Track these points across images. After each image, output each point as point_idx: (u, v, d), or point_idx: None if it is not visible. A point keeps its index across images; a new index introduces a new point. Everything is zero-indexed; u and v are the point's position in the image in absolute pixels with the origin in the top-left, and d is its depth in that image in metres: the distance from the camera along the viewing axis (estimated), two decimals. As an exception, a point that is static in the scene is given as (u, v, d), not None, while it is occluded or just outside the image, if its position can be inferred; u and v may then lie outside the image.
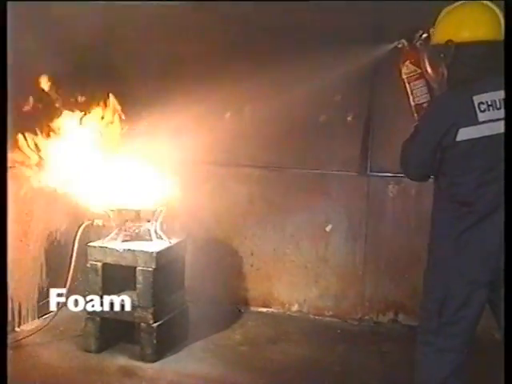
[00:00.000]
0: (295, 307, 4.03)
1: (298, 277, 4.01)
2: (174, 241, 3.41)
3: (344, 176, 3.86)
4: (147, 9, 3.80)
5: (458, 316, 2.27)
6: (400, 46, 2.66)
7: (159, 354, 3.23)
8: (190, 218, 4.08)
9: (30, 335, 3.40)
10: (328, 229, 3.92)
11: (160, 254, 3.22)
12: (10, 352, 3.18)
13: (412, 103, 2.60)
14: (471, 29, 2.27)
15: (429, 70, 2.50)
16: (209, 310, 3.98)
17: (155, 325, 3.21)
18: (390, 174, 3.76)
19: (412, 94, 2.59)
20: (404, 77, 2.61)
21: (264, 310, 4.06)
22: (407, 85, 2.61)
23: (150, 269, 3.18)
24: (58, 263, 3.66)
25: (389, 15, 3.57)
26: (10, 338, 3.33)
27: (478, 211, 2.23)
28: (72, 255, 3.36)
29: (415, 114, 2.59)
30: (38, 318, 3.64)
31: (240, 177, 4.04)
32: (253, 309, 4.07)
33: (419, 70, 2.57)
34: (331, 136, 3.84)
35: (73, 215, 3.67)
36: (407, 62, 2.60)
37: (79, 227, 3.39)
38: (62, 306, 3.37)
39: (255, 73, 3.82)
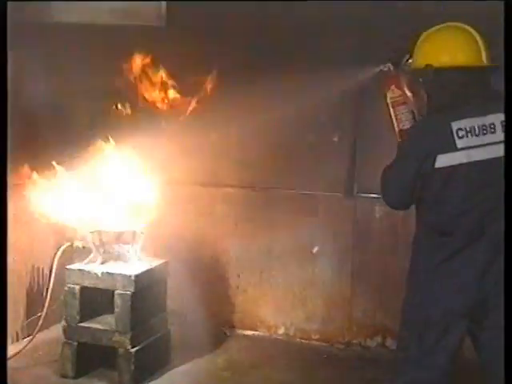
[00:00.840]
0: (281, 330, 3.94)
1: (285, 299, 3.91)
2: (154, 263, 3.33)
3: (330, 197, 3.78)
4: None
5: (438, 347, 2.18)
6: (386, 69, 2.59)
7: (137, 380, 3.13)
8: (175, 238, 3.97)
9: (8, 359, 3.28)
10: (314, 250, 3.84)
11: (139, 277, 3.15)
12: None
13: (396, 128, 2.50)
14: (450, 53, 2.22)
15: (409, 94, 2.44)
16: (194, 333, 3.85)
17: (133, 350, 3.12)
18: (376, 195, 3.60)
19: (397, 119, 2.50)
20: (389, 101, 2.51)
21: (250, 333, 3.97)
22: (392, 109, 2.51)
23: (129, 292, 3.10)
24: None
25: (376, 37, 3.54)
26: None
27: (457, 241, 2.16)
28: (50, 278, 3.28)
29: (399, 140, 2.50)
30: (17, 340, 3.53)
31: (225, 197, 3.98)
32: (239, 332, 3.98)
33: (403, 95, 2.49)
34: (317, 157, 3.79)
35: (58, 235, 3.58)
36: (393, 87, 2.51)
37: (58, 249, 3.33)
38: (38, 329, 3.30)
39: (240, 93, 3.80)
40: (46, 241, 3.71)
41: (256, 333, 3.96)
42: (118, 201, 3.31)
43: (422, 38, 2.34)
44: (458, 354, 2.24)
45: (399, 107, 2.49)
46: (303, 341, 3.87)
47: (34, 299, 3.60)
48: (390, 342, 3.73)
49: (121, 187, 3.38)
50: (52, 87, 3.56)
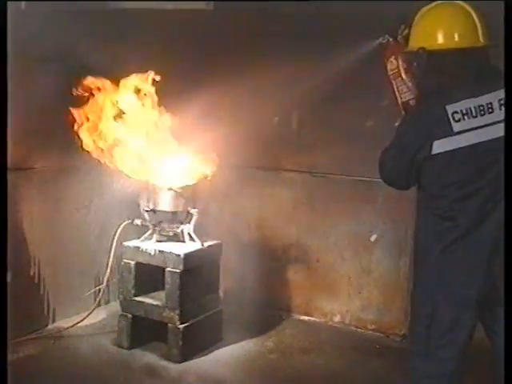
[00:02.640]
0: (337, 318, 3.87)
1: (341, 287, 3.84)
2: (206, 243, 3.37)
3: (390, 184, 3.63)
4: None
5: (446, 339, 2.05)
6: (384, 41, 2.44)
7: (185, 355, 3.20)
8: (236, 221, 4.08)
9: (72, 326, 3.49)
10: (372, 239, 3.72)
11: (188, 256, 3.20)
12: (50, 341, 3.35)
13: (399, 101, 2.40)
14: (445, 35, 2.06)
15: (403, 75, 2.31)
16: (249, 314, 3.92)
17: (181, 326, 3.19)
18: (438, 184, 3.48)
19: (398, 90, 2.39)
20: (389, 73, 2.40)
21: (306, 318, 3.94)
22: (393, 81, 2.40)
23: (178, 270, 3.17)
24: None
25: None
26: (53, 328, 3.48)
27: (461, 226, 2.02)
28: (110, 253, 3.42)
29: (403, 112, 2.39)
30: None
31: (285, 182, 3.95)
32: (295, 316, 3.96)
33: (402, 66, 2.34)
34: (378, 142, 3.52)
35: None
36: (391, 58, 2.38)
37: (119, 226, 3.45)
38: (99, 301, 3.47)
39: (301, 77, 3.74)
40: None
41: (312, 318, 3.92)
42: (177, 180, 3.34)
43: (417, 16, 2.18)
44: (468, 346, 2.10)
45: (399, 78, 2.37)
46: (358, 330, 3.77)
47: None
48: (448, 338, 3.53)
49: (183, 168, 3.42)
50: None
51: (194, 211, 3.35)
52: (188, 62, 3.79)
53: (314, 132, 3.82)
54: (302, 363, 3.29)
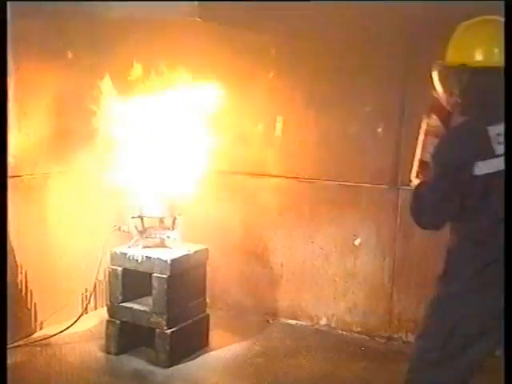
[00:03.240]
0: (323, 321, 3.90)
1: (327, 290, 3.87)
2: (193, 249, 3.40)
3: (374, 188, 3.69)
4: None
5: (462, 355, 2.06)
6: (434, 94, 2.25)
7: (173, 360, 3.23)
8: (222, 226, 4.10)
9: (59, 333, 3.49)
10: (357, 242, 3.76)
11: (175, 262, 3.23)
12: (37, 349, 3.36)
13: (418, 156, 2.28)
14: (487, 52, 2.02)
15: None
16: (236, 319, 3.97)
17: (169, 331, 3.21)
18: (420, 188, 3.54)
19: (423, 147, 2.25)
20: (425, 127, 2.26)
21: (293, 322, 3.96)
22: (423, 136, 2.26)
23: (165, 276, 3.19)
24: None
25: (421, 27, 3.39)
26: (40, 335, 3.48)
27: (490, 252, 2.01)
28: (98, 259, 3.43)
29: (416, 168, 2.29)
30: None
31: (270, 187, 3.99)
32: (281, 320, 3.98)
33: (441, 129, 2.22)
34: (361, 148, 3.70)
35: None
36: (433, 115, 2.25)
37: (106, 232, 3.46)
38: (86, 307, 3.49)
39: (286, 84, 3.81)
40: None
41: (298, 322, 3.94)
42: (161, 187, 3.37)
43: (456, 31, 2.14)
44: (481, 367, 2.11)
45: (431, 137, 2.23)
46: (344, 333, 3.81)
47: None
48: (432, 339, 3.59)
49: (167, 173, 3.44)
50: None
51: (180, 217, 3.38)
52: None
53: (298, 138, 3.86)
54: (289, 366, 3.32)
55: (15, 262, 3.38)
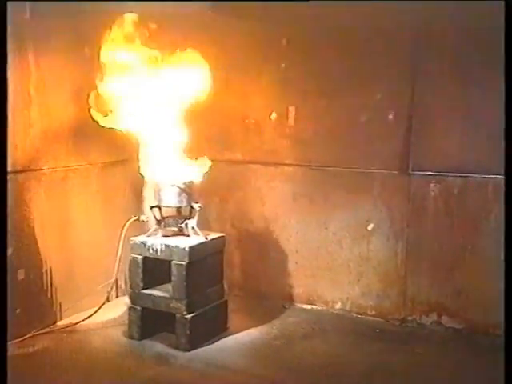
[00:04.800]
0: (338, 305, 4.00)
1: (341, 275, 3.97)
2: (210, 237, 3.50)
3: (385, 175, 3.76)
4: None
5: None
6: None
7: (193, 343, 3.34)
8: (238, 214, 4.22)
9: (83, 320, 3.64)
10: (370, 228, 3.84)
11: (193, 249, 3.33)
12: (63, 335, 3.50)
13: None
14: None
15: None
16: (253, 304, 4.09)
17: (189, 316, 3.32)
18: (431, 173, 3.63)
19: None
20: None
21: (308, 306, 4.07)
22: None
23: (184, 263, 3.30)
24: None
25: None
26: (65, 323, 3.63)
27: None
28: (118, 249, 3.55)
29: None
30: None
31: (284, 176, 4.08)
32: (297, 305, 4.09)
33: None
34: (372, 135, 3.77)
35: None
36: None
37: (126, 222, 3.58)
38: (109, 295, 3.62)
39: (298, 74, 3.89)
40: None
41: (314, 307, 4.05)
42: (179, 177, 3.46)
43: None
44: None
45: None
46: (359, 316, 3.91)
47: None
48: (445, 320, 3.69)
49: (183, 164, 3.54)
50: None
51: (197, 206, 3.47)
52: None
53: (310, 127, 3.94)
54: (306, 348, 3.43)
55: (40, 252, 3.52)
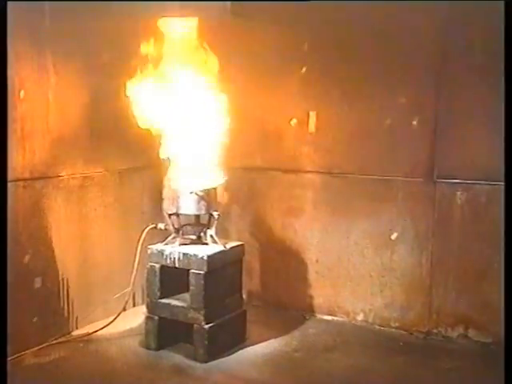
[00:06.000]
0: (360, 317, 3.95)
1: (363, 285, 3.91)
2: (229, 245, 3.48)
3: (410, 182, 3.70)
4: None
5: None
6: None
7: (211, 354, 3.32)
8: (257, 222, 4.20)
9: (100, 330, 3.64)
10: (393, 237, 3.79)
11: (212, 258, 3.31)
12: (79, 345, 3.50)
13: None
14: None
15: None
16: (273, 315, 4.06)
17: (207, 326, 3.30)
18: (458, 180, 3.56)
19: None
20: None
21: (329, 317, 4.02)
22: None
23: (202, 272, 3.28)
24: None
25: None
26: (81, 333, 3.63)
27: None
28: (135, 257, 3.55)
29: None
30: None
31: (304, 183, 4.04)
32: (318, 316, 4.05)
33: None
34: (396, 141, 3.73)
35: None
36: None
37: (143, 230, 3.58)
38: (125, 304, 3.61)
39: (319, 78, 3.87)
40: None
41: (335, 318, 4.00)
42: (197, 184, 3.45)
43: None
44: None
45: None
46: (382, 328, 3.85)
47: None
48: (472, 333, 3.61)
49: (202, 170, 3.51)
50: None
51: (215, 214, 3.46)
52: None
53: (331, 133, 3.91)
54: (326, 361, 3.38)
55: (56, 260, 3.52)
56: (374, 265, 3.86)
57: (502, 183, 3.40)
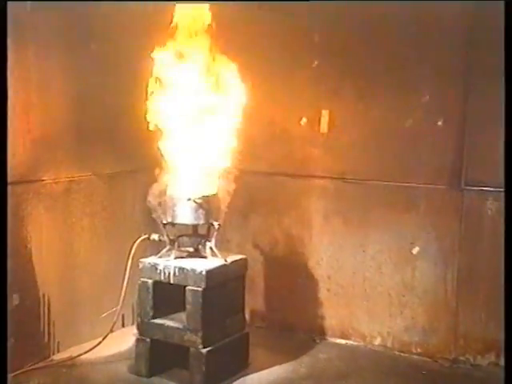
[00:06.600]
0: (377, 340, 3.92)
1: (381, 305, 3.89)
2: (230, 259, 3.44)
3: (433, 190, 3.70)
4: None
5: None
6: None
7: (209, 382, 3.27)
8: (262, 233, 4.18)
9: (85, 353, 3.57)
10: (415, 251, 3.77)
11: (211, 273, 3.28)
12: (62, 370, 3.46)
13: None
14: None
15: None
16: (279, 337, 4.03)
17: (204, 350, 3.26)
18: (488, 188, 3.53)
19: None
20: None
21: (342, 341, 4.00)
22: None
23: (200, 289, 3.24)
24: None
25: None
26: (64, 356, 3.58)
27: None
28: (125, 271, 3.51)
29: None
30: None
31: (315, 190, 4.02)
32: (329, 339, 4.03)
33: None
34: (418, 143, 3.72)
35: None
36: None
37: (134, 242, 3.54)
38: (113, 324, 3.57)
39: (332, 73, 3.87)
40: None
41: (349, 342, 3.98)
42: (195, 189, 3.42)
43: None
44: None
45: None
46: (402, 354, 3.81)
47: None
48: (504, 361, 3.56)
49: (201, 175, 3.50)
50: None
51: (216, 224, 3.42)
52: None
53: (345, 133, 3.89)
54: (339, 391, 3.35)
55: (36, 274, 3.48)
56: (392, 282, 3.84)
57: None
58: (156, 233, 3.55)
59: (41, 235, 3.50)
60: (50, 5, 3.33)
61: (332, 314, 4.03)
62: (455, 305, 3.67)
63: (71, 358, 3.56)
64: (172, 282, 3.33)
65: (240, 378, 3.42)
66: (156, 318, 3.40)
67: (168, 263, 3.36)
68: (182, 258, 3.43)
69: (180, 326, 3.32)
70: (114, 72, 3.74)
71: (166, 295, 3.41)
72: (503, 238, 3.45)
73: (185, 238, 3.48)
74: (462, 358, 3.68)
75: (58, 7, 3.38)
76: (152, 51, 3.40)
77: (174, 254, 3.42)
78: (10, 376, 3.25)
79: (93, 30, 3.61)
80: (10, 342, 3.30)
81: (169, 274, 3.33)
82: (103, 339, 3.59)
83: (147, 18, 3.72)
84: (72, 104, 3.62)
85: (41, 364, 3.49)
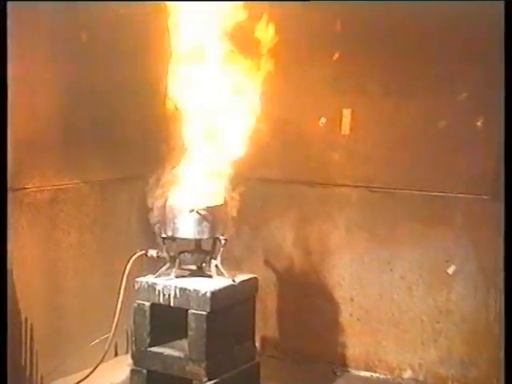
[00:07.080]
0: (408, 373, 3.92)
1: (412, 333, 3.88)
2: (238, 279, 3.36)
3: (472, 200, 3.67)
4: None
5: None
6: None
7: (214, 421, 3.18)
8: (274, 250, 4.18)
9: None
10: (450, 271, 3.75)
11: (217, 295, 3.18)
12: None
13: None
14: None
15: None
16: (294, 369, 4.03)
17: (209, 383, 3.16)
18: (535, 198, 3.43)
19: None
20: None
21: (367, 374, 4.02)
22: None
23: (204, 313, 3.15)
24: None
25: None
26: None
27: None
28: (119, 293, 3.43)
29: None
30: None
31: (335, 199, 4.02)
32: (352, 372, 4.03)
33: None
34: (455, 147, 3.71)
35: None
36: None
37: (129, 259, 3.46)
38: (105, 353, 3.48)
39: (355, 67, 3.88)
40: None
41: (374, 374, 3.99)
42: (197, 201, 3.34)
43: None
44: None
45: None
46: (436, 389, 3.79)
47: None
48: (557, 399, 3.44)
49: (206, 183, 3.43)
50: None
51: (222, 238, 3.35)
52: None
53: (370, 136, 3.88)
54: (363, 433, 3.28)
55: (18, 296, 3.43)
56: (425, 306, 3.81)
57: None
58: (154, 248, 3.46)
59: (23, 252, 3.47)
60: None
61: (355, 343, 4.03)
62: (498, 333, 3.55)
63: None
64: (172, 304, 3.24)
65: (250, 416, 3.33)
66: (154, 345, 3.30)
67: (168, 283, 3.26)
68: (183, 277, 3.34)
69: (181, 356, 3.22)
70: (107, 69, 3.75)
71: (165, 320, 3.32)
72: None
73: (187, 255, 3.38)
74: (506, 395, 3.57)
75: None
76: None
77: (174, 272, 3.33)
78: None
79: (83, 27, 3.63)
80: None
81: (168, 295, 3.24)
82: (93, 370, 3.50)
83: (142, 16, 3.74)
84: (59, 102, 3.61)
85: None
